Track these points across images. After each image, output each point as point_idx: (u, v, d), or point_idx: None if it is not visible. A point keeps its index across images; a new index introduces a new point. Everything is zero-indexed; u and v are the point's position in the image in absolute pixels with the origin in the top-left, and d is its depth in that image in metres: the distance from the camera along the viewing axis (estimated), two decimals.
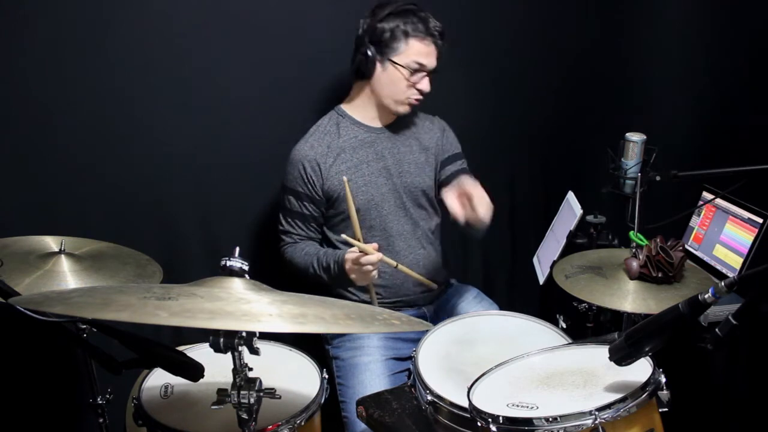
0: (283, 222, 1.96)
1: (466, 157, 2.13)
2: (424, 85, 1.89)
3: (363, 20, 1.87)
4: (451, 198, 1.70)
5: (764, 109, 2.33)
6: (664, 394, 1.32)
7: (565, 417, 1.23)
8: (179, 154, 2.03)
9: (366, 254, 1.74)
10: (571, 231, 1.94)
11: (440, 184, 2.06)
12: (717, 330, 1.16)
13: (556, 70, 2.51)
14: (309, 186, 1.90)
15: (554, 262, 1.84)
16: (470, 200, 1.67)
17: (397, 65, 1.85)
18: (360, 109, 1.96)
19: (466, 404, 1.36)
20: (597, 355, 1.43)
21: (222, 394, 1.20)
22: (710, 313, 1.60)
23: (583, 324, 2.05)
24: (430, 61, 1.87)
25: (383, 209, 1.94)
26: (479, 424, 1.31)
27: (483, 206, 1.67)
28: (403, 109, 1.93)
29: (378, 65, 1.86)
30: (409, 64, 1.85)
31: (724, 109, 2.48)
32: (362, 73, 1.88)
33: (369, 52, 1.84)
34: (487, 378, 1.43)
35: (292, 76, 2.11)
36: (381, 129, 1.97)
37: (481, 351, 1.70)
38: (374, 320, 1.15)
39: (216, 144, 2.07)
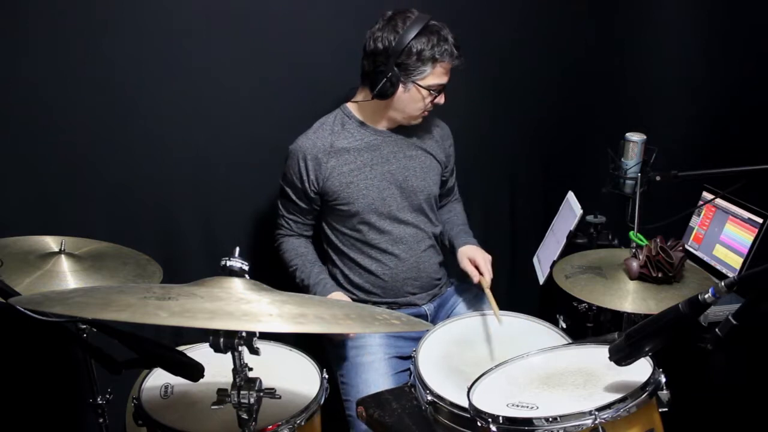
0: (281, 209, 1.99)
1: (466, 157, 2.14)
2: (441, 99, 1.89)
3: (381, 34, 1.79)
4: (466, 265, 1.97)
5: (764, 109, 2.33)
6: (664, 394, 1.32)
7: (565, 417, 1.23)
8: (179, 155, 2.03)
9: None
10: (571, 231, 1.94)
11: (439, 195, 2.09)
12: (717, 330, 1.16)
13: (557, 70, 2.51)
14: (305, 180, 1.90)
15: (554, 262, 1.84)
16: (478, 267, 1.95)
17: (421, 88, 1.84)
18: (368, 113, 1.94)
19: (466, 404, 1.36)
20: (597, 355, 1.43)
21: (222, 394, 1.20)
22: (710, 313, 1.60)
23: (583, 324, 2.05)
24: (448, 77, 1.87)
25: (383, 213, 1.94)
26: (479, 424, 1.31)
27: (488, 271, 1.95)
28: (417, 121, 1.94)
29: (401, 86, 1.83)
30: (431, 86, 1.83)
31: (724, 109, 2.48)
32: (383, 93, 1.82)
33: (393, 75, 1.79)
34: (487, 378, 1.44)
35: (293, 76, 2.11)
36: (388, 133, 1.96)
37: (481, 351, 1.70)
38: (374, 320, 1.15)
39: (216, 144, 2.07)
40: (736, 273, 2.02)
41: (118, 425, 1.64)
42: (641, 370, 1.33)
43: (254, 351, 1.13)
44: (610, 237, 2.10)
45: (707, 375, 2.12)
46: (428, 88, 1.84)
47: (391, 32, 1.79)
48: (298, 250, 1.99)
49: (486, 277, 1.93)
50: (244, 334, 1.11)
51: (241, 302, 1.05)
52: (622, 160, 1.98)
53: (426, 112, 1.91)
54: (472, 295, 2.08)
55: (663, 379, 1.32)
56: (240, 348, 1.13)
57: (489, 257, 1.98)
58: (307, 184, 1.91)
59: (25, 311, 1.07)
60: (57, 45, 1.83)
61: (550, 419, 1.24)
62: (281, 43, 2.08)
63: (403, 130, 1.97)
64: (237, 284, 1.13)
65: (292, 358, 1.63)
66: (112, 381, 1.61)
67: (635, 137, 1.96)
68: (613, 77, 2.57)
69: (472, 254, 1.98)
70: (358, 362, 1.88)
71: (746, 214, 2.04)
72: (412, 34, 1.77)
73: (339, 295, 1.88)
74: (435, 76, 1.83)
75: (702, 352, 1.18)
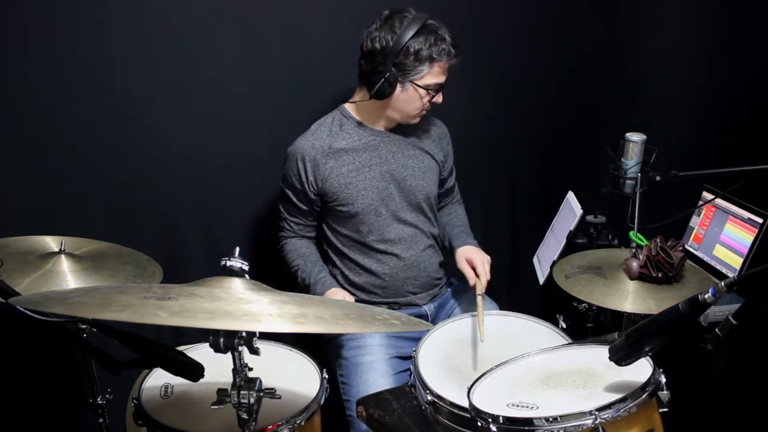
0: (282, 212, 1.99)
1: (466, 157, 2.14)
2: (439, 98, 1.89)
3: (378, 33, 1.79)
4: (463, 266, 1.93)
5: (764, 109, 2.33)
6: (664, 394, 1.32)
7: (565, 417, 1.23)
8: (179, 154, 2.04)
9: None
10: (571, 231, 1.94)
11: (438, 195, 2.09)
12: (717, 330, 1.16)
13: (557, 70, 2.51)
14: (304, 182, 1.90)
15: (554, 262, 1.84)
16: (475, 268, 1.90)
17: (419, 87, 1.83)
18: (366, 113, 1.94)
19: (466, 404, 1.36)
20: (597, 355, 1.43)
21: (222, 394, 1.20)
22: (710, 313, 1.61)
23: (583, 324, 2.05)
24: (446, 77, 1.86)
25: (382, 213, 1.94)
26: (479, 424, 1.31)
27: (484, 273, 1.90)
28: (415, 121, 1.93)
29: (398, 86, 1.82)
30: (429, 85, 1.83)
31: (724, 109, 2.47)
32: (381, 93, 1.81)
33: (391, 75, 1.79)
34: (487, 378, 1.43)
35: (292, 76, 2.11)
36: (386, 133, 1.96)
37: (481, 351, 1.70)
38: (374, 320, 1.15)
39: (216, 144, 2.07)
40: (736, 273, 2.02)
41: (118, 425, 1.64)
42: (641, 370, 1.33)
43: (254, 351, 1.13)
44: (610, 237, 2.10)
45: (707, 375, 2.12)
46: (426, 88, 1.83)
47: (389, 32, 1.78)
48: (300, 251, 1.99)
49: (482, 280, 1.88)
50: (244, 334, 1.11)
51: (241, 302, 1.05)
52: (622, 160, 1.98)
53: (424, 111, 1.91)
54: (473, 296, 2.08)
55: (663, 379, 1.31)
56: (240, 348, 1.13)
57: (488, 258, 1.94)
58: (306, 186, 1.90)
59: (25, 311, 1.07)
60: (57, 45, 1.83)
61: (550, 419, 1.23)
62: (281, 43, 2.08)
63: (401, 129, 1.97)
64: (237, 284, 1.13)
65: (292, 358, 1.63)
66: (112, 381, 1.61)
67: (635, 137, 1.96)
68: (613, 77, 2.57)
69: (470, 255, 1.92)
70: (358, 362, 1.88)
71: (746, 214, 2.04)
72: (410, 34, 1.77)
73: (337, 290, 1.88)
74: (433, 75, 1.83)
75: (702, 352, 1.18)
